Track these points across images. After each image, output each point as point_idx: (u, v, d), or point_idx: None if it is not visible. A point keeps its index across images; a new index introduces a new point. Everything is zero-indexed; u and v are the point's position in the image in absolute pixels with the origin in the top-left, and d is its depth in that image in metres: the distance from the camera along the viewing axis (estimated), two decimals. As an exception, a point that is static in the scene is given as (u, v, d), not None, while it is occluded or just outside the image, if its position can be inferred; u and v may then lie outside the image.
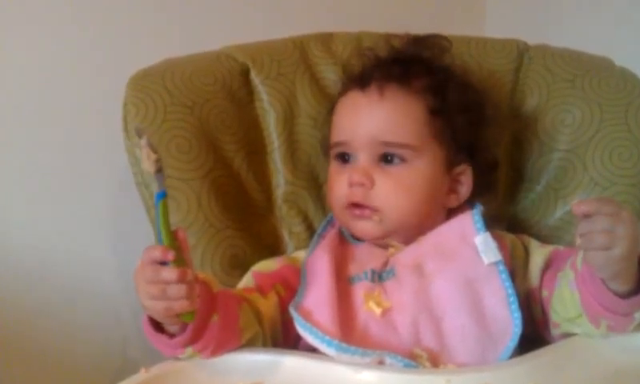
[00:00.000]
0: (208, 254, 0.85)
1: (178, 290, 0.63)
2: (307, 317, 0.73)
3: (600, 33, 1.15)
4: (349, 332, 0.73)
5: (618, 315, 0.68)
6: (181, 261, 0.65)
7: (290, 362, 0.70)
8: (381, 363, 0.69)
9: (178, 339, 0.67)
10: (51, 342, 1.03)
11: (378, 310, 0.74)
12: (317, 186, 0.95)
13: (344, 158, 0.85)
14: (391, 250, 0.82)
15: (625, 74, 0.95)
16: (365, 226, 0.82)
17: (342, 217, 0.84)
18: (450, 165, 0.84)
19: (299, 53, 0.98)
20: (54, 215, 1.04)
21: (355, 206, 0.82)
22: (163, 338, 0.68)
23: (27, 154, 1.01)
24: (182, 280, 0.63)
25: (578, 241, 0.66)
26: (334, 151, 0.86)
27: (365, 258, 0.81)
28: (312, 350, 0.72)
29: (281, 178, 0.94)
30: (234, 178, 0.91)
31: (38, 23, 1.01)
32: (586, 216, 0.65)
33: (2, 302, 1.00)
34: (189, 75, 0.91)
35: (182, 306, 0.64)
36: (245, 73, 0.95)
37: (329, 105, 0.92)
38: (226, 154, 0.91)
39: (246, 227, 0.89)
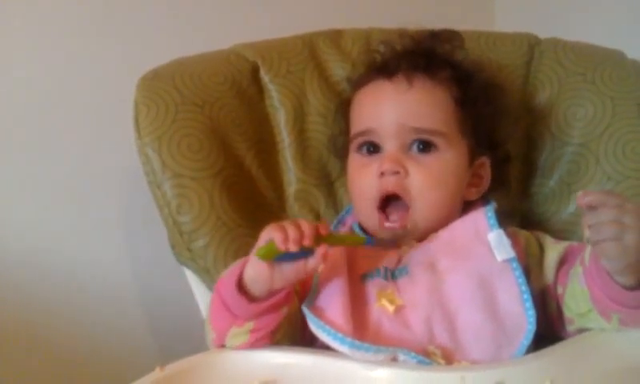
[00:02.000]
0: (221, 253, 0.85)
1: (307, 227, 0.68)
2: (320, 315, 0.73)
3: (611, 25, 1.14)
4: (362, 330, 0.72)
5: (627, 308, 0.68)
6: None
7: (304, 360, 0.70)
8: (394, 360, 0.69)
9: (253, 306, 0.70)
10: (64, 343, 1.04)
11: (390, 308, 0.74)
12: (328, 184, 0.95)
13: (369, 149, 0.83)
14: (404, 247, 0.81)
15: (637, 67, 0.95)
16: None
17: (367, 211, 0.82)
18: (472, 157, 0.84)
19: (308, 50, 0.98)
20: (64, 216, 1.04)
21: (384, 208, 0.80)
22: (242, 299, 0.70)
23: (38, 155, 1.02)
24: (313, 229, 0.68)
25: (587, 233, 0.66)
26: (357, 142, 0.84)
27: (378, 256, 0.80)
28: (328, 348, 0.71)
29: (292, 175, 0.94)
30: (245, 176, 0.91)
31: (49, 24, 1.01)
32: (591, 208, 0.65)
33: (12, 304, 1.00)
34: (199, 74, 0.91)
35: (297, 232, 0.67)
36: (254, 71, 0.95)
37: (339, 102, 0.92)
38: (236, 152, 0.91)
39: (258, 225, 0.88)
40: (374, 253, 0.81)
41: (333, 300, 0.74)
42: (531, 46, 0.99)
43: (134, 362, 1.03)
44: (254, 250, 0.71)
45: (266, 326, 0.71)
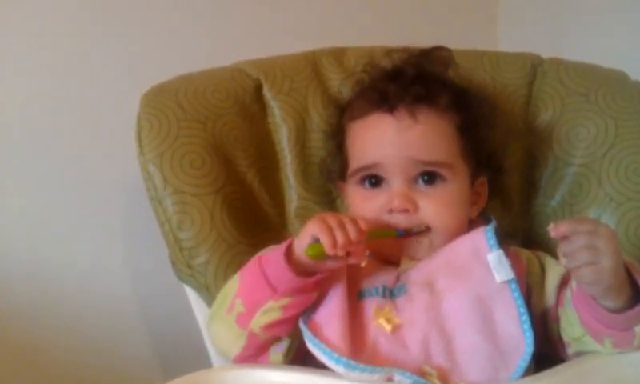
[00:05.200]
0: (221, 270, 0.85)
1: (353, 231, 0.71)
2: (317, 331, 0.73)
3: (614, 46, 1.14)
4: (358, 348, 0.72)
5: (617, 331, 0.68)
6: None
7: (300, 379, 0.70)
8: (390, 380, 0.69)
9: (299, 279, 0.73)
10: (63, 355, 1.04)
11: (388, 327, 0.74)
12: (329, 201, 0.95)
13: (371, 181, 0.82)
14: (403, 265, 0.81)
15: (639, 88, 0.94)
16: (414, 251, 0.81)
17: (376, 244, 0.80)
18: (472, 179, 0.84)
19: (311, 68, 0.98)
20: (67, 228, 1.05)
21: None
22: (290, 271, 0.72)
23: (40, 166, 1.03)
24: (360, 234, 0.72)
25: (564, 261, 0.67)
26: (360, 175, 0.83)
27: (376, 274, 0.80)
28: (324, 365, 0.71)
29: (293, 192, 0.95)
30: (247, 193, 0.91)
31: (54, 36, 1.02)
32: (565, 237, 0.66)
33: (13, 313, 1.01)
34: (202, 91, 0.92)
35: (344, 238, 0.70)
36: (257, 88, 0.96)
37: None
38: (238, 169, 0.91)
39: (259, 242, 0.89)
40: (374, 270, 0.81)
41: (330, 317, 0.74)
42: (534, 66, 0.99)
43: (136, 376, 1.04)
44: (300, 242, 0.74)
45: (299, 305, 0.73)
